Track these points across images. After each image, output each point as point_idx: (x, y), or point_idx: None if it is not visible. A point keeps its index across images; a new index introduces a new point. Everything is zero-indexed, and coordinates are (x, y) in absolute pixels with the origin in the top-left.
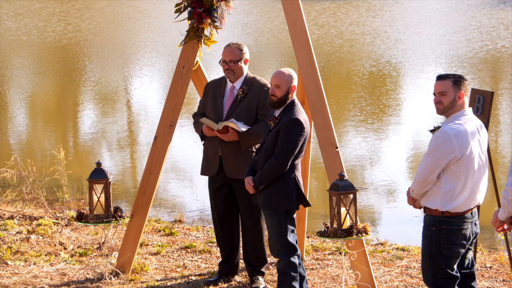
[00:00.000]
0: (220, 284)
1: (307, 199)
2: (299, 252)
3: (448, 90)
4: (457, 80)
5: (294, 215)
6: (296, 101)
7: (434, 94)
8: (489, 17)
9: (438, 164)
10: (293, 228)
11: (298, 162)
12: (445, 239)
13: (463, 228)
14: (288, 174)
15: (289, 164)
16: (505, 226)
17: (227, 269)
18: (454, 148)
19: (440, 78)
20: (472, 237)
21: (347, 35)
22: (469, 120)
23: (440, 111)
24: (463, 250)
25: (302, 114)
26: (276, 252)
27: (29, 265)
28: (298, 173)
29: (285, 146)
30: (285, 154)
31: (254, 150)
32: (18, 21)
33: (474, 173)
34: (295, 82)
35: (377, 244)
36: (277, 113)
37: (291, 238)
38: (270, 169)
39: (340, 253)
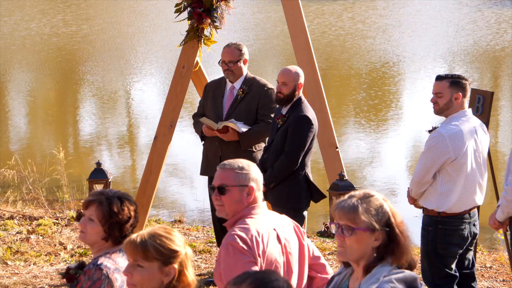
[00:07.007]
0: None
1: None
2: None
3: (444, 91)
4: (454, 81)
5: (305, 212)
6: (303, 98)
7: (432, 94)
8: (492, 16)
9: (433, 165)
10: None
11: (308, 159)
12: (441, 239)
13: (460, 228)
14: (298, 172)
15: (299, 161)
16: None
17: None
18: (448, 149)
19: (438, 78)
20: (470, 238)
21: (346, 35)
22: (467, 121)
23: (436, 112)
24: (460, 250)
25: (309, 111)
26: None
27: (29, 265)
28: (308, 170)
29: (294, 144)
30: (295, 152)
31: (255, 150)
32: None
33: (470, 174)
34: (301, 80)
35: None
36: (284, 110)
37: None
38: (280, 167)
39: None
